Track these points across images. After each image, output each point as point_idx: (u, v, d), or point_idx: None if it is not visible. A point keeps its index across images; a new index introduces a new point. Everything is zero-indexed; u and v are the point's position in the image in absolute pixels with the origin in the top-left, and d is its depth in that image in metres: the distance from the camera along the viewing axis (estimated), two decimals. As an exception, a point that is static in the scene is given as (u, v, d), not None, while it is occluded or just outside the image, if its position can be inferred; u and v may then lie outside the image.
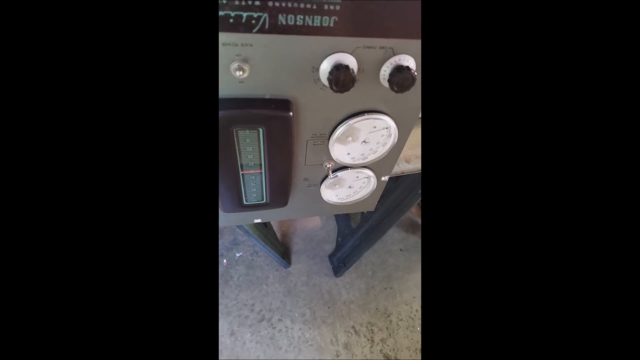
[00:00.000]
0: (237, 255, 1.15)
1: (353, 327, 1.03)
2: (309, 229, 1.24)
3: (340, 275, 1.11)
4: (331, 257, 1.14)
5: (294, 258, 1.16)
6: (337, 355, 0.97)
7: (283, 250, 1.12)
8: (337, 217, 1.22)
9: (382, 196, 0.93)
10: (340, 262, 1.09)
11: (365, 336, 1.01)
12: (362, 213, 0.97)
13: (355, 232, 1.01)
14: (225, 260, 1.13)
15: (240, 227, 0.79)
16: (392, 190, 0.86)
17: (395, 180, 0.91)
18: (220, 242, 1.17)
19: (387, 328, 1.04)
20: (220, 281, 1.08)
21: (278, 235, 1.20)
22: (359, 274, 1.14)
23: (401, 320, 1.05)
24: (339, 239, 1.14)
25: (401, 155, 0.55)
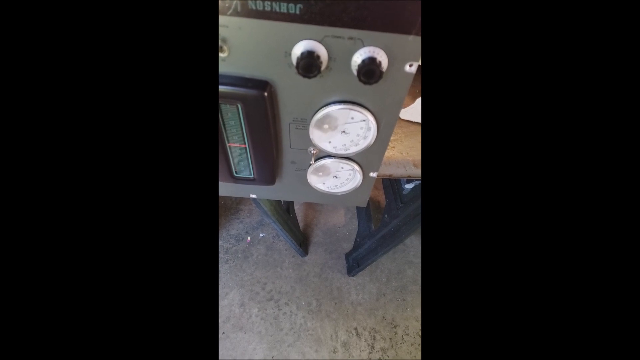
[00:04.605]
0: (261, 235, 1.22)
1: (355, 328, 1.02)
2: (332, 224, 1.26)
3: (353, 275, 1.11)
4: (347, 255, 1.14)
5: (311, 249, 1.18)
6: (334, 351, 0.97)
7: (302, 239, 1.15)
8: (359, 218, 1.21)
9: (403, 203, 0.91)
10: (355, 262, 1.09)
11: (366, 340, 1.00)
12: (383, 217, 0.95)
13: (373, 235, 1.00)
14: (249, 238, 1.21)
15: (259, 207, 0.84)
16: (414, 198, 0.83)
17: (419, 188, 0.87)
18: (248, 220, 1.26)
19: (390, 339, 1.01)
20: (240, 256, 1.16)
21: (301, 224, 1.24)
22: (373, 279, 1.12)
23: (407, 334, 1.02)
24: (358, 239, 1.14)
25: (410, 159, 0.54)
